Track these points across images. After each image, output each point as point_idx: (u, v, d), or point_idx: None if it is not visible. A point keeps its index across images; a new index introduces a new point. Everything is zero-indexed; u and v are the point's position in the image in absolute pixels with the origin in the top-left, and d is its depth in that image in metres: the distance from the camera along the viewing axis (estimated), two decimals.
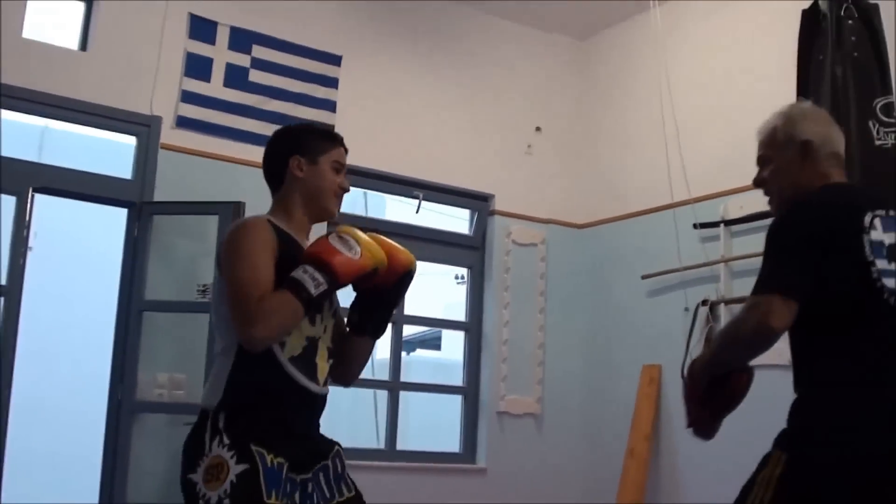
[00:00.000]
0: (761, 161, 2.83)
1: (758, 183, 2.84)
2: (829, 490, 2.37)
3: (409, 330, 7.65)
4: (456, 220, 6.63)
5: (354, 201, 6.42)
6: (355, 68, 5.85)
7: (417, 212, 6.19)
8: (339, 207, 3.03)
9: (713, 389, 2.69)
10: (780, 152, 2.76)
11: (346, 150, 3.03)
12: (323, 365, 2.88)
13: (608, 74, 6.77)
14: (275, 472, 2.65)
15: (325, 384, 2.90)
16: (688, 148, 5.79)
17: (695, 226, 5.70)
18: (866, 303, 2.50)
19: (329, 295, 2.78)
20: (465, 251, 6.43)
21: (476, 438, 6.18)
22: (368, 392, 6.22)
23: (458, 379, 6.28)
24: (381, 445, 5.99)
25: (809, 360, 2.61)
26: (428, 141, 6.15)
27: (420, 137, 6.12)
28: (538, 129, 6.64)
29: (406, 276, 2.95)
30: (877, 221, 2.55)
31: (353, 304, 3.00)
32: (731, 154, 5.64)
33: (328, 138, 3.02)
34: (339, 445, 2.98)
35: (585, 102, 6.85)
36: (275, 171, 2.98)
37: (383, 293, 2.95)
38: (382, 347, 6.28)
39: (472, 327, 6.33)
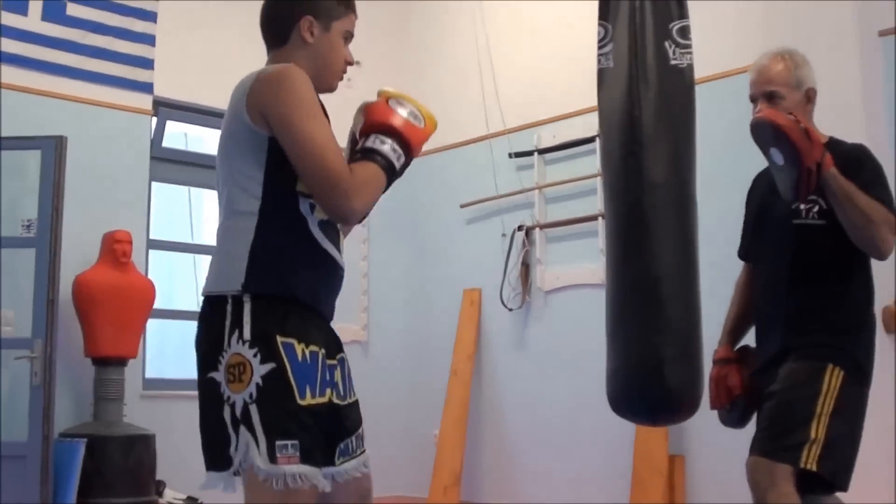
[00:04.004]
0: (769, 96, 2.99)
1: None
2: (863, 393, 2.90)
3: None
4: None
5: (174, 137, 6.37)
6: (173, 1, 5.81)
7: None
8: None
9: (810, 177, 2.76)
10: (791, 92, 2.98)
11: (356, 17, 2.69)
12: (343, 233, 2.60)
13: (426, 7, 6.92)
14: (307, 365, 2.29)
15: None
16: (502, 81, 6.03)
17: (510, 155, 5.96)
18: None
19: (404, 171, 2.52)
20: None
21: None
22: None
23: None
24: None
25: (845, 283, 2.94)
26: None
27: (241, 71, 6.03)
28: (357, 62, 6.72)
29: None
30: None
31: None
32: (544, 85, 5.90)
33: (345, 2, 2.64)
34: None
35: (404, 37, 6.99)
36: (279, 26, 2.62)
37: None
38: None
39: None
